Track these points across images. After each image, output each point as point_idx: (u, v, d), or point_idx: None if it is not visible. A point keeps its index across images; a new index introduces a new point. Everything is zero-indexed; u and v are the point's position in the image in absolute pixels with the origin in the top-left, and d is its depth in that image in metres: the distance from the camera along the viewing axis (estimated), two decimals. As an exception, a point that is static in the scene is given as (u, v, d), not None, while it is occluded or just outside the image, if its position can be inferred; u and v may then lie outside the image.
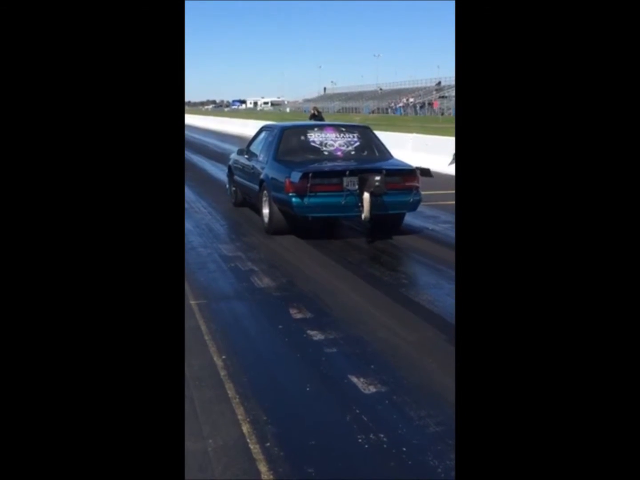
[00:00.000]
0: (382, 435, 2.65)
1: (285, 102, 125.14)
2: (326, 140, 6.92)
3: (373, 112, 74.01)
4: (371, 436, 2.65)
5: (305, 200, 5.94)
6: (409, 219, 7.29)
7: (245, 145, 8.20)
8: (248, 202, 8.01)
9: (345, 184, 5.98)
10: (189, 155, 17.68)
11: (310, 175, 5.90)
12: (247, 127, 31.73)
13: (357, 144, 7.00)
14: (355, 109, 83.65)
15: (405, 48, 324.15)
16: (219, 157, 16.95)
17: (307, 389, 3.14)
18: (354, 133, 7.17)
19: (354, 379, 3.20)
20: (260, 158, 7.12)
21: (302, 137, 6.97)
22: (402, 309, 4.42)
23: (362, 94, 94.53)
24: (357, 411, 2.86)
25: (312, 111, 24.19)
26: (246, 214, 8.13)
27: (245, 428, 2.72)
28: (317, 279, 5.18)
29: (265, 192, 6.64)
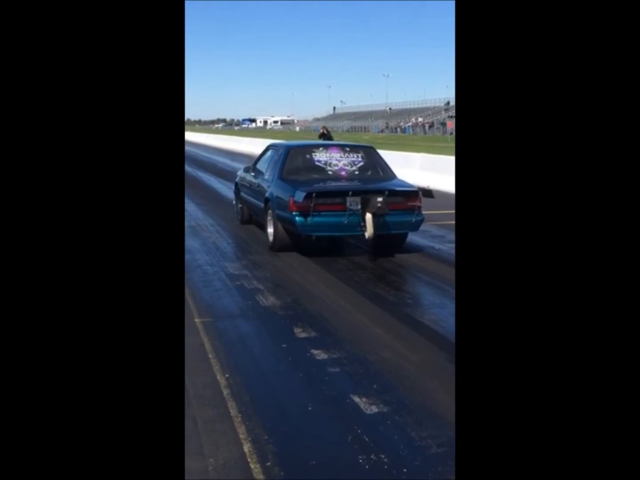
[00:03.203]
0: (383, 456, 2.64)
1: (295, 121, 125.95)
2: (331, 159, 6.98)
3: (382, 131, 74.30)
4: (372, 457, 2.64)
5: (309, 219, 6.02)
6: (416, 238, 7.31)
7: (252, 163, 8.28)
8: (254, 219, 8.06)
9: (348, 204, 6.04)
10: (197, 173, 17.80)
11: (313, 195, 5.96)
12: (256, 146, 31.86)
13: (361, 163, 7.07)
14: (365, 128, 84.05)
15: (414, 68, 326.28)
16: (227, 175, 17.03)
17: (309, 408, 3.14)
18: (359, 153, 7.23)
19: (357, 399, 3.20)
20: (266, 176, 7.20)
21: (307, 157, 7.05)
22: (406, 329, 4.42)
23: (371, 114, 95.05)
24: (359, 431, 2.86)
25: (322, 130, 24.29)
26: (253, 232, 8.17)
27: (246, 447, 2.72)
28: (322, 297, 5.19)
29: (270, 210, 6.72)
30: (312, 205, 5.94)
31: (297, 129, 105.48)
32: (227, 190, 13.03)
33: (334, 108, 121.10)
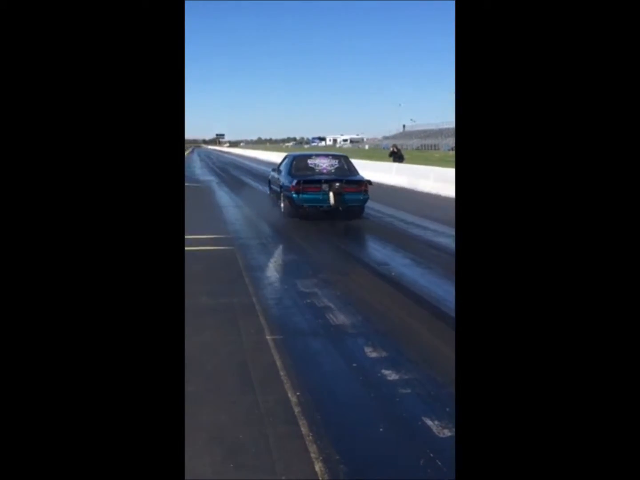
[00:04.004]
0: (456, 482, 2.58)
1: (364, 140, 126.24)
2: (319, 163, 11.38)
3: (452, 149, 73.48)
4: (445, 482, 2.59)
5: (300, 195, 10.36)
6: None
7: (277, 166, 12.62)
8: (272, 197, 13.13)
9: (322, 187, 10.33)
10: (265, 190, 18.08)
11: (301, 182, 10.40)
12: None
13: (337, 165, 11.37)
14: (434, 146, 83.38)
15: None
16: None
17: (380, 429, 3.11)
18: (336, 159, 11.58)
19: (429, 422, 3.15)
20: (282, 173, 11.62)
21: (305, 161, 11.45)
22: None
23: (442, 131, 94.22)
24: (431, 455, 2.81)
25: (392, 148, 24.19)
26: (324, 251, 8.22)
27: (318, 466, 2.72)
28: (393, 317, 5.15)
29: (282, 192, 11.20)
30: (300, 187, 10.33)
31: (367, 147, 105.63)
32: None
33: (404, 126, 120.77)
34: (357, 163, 26.70)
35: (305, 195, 10.47)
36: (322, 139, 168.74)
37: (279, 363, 4.03)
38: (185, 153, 79.50)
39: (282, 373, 3.85)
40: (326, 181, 10.50)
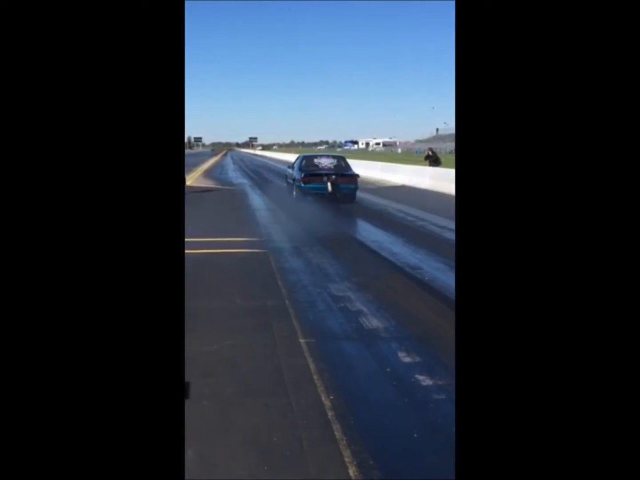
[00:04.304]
0: (492, 490, 2.56)
1: (397, 143, 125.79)
2: (321, 161, 15.01)
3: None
4: (481, 490, 2.56)
5: (306, 185, 13.94)
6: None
7: (291, 164, 16.71)
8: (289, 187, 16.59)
9: (323, 178, 13.92)
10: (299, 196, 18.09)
11: (307, 175, 14.04)
12: (357, 168, 32.11)
13: (335, 163, 14.98)
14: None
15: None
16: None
17: (415, 435, 3.10)
18: (335, 159, 15.35)
19: (464, 428, 3.12)
20: (295, 169, 15.23)
21: (312, 160, 15.12)
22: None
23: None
24: (466, 462, 2.78)
25: (427, 152, 24.08)
26: (357, 254, 8.22)
27: (352, 471, 2.72)
28: (426, 322, 5.12)
29: (294, 183, 14.93)
30: (307, 179, 13.91)
31: (399, 150, 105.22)
32: (331, 217, 13.28)
33: (437, 129, 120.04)
34: (388, 167, 26.71)
35: (310, 185, 14.19)
36: (355, 142, 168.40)
37: (312, 366, 4.04)
38: (218, 156, 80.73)
39: (315, 377, 3.86)
40: (326, 175, 14.32)
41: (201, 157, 70.37)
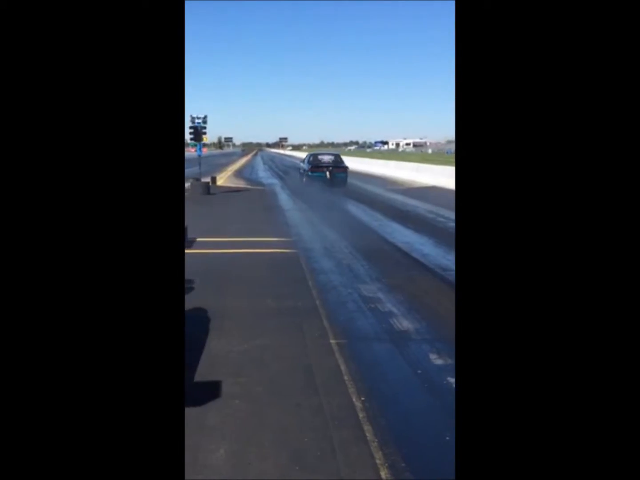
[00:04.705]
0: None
1: (427, 144, 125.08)
2: (323, 157, 22.51)
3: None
4: (515, 495, 2.53)
5: (313, 174, 21.16)
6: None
7: (302, 159, 24.08)
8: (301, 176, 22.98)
9: (324, 169, 21.20)
10: (330, 197, 18.10)
11: (312, 167, 21.53)
12: (389, 168, 32.04)
13: (333, 158, 22.39)
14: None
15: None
16: (364, 199, 17.21)
17: (447, 438, 3.07)
18: (333, 155, 23.06)
19: (497, 432, 3.09)
20: (305, 163, 22.68)
21: (317, 157, 22.70)
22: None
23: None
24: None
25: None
26: (389, 256, 8.19)
27: (383, 473, 2.71)
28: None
29: (304, 173, 22.30)
30: (312, 169, 21.35)
31: (430, 151, 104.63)
32: (364, 215, 13.25)
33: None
34: (418, 167, 26.57)
35: (314, 174, 21.25)
36: (385, 142, 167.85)
37: (343, 367, 4.03)
38: (249, 156, 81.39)
39: (346, 377, 3.86)
40: (325, 167, 21.51)
41: (231, 157, 71.00)
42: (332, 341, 4.57)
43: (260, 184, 23.99)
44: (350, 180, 21.88)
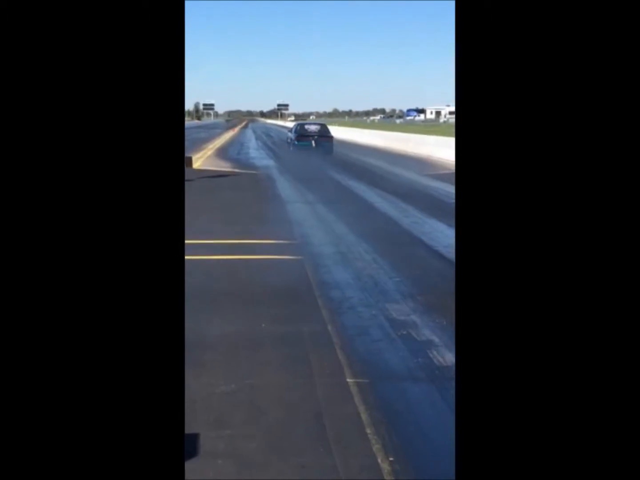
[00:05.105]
0: None
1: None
2: (310, 126, 34.98)
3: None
4: None
5: (299, 142, 32.53)
6: None
7: (290, 129, 38.40)
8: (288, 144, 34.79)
9: (310, 138, 32.37)
10: (347, 181, 18.13)
11: (298, 136, 33.13)
12: (425, 146, 32.06)
13: (319, 128, 34.01)
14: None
15: None
16: (395, 188, 17.23)
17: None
18: (319, 125, 35.45)
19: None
20: (292, 133, 34.84)
21: (303, 126, 35.30)
22: None
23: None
24: None
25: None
26: (427, 264, 8.19)
27: None
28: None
29: (291, 142, 34.44)
30: (298, 138, 32.88)
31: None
32: (393, 209, 13.28)
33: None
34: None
35: (301, 142, 30.40)
36: (421, 111, 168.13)
37: (364, 416, 4.04)
38: (236, 130, 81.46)
39: (368, 430, 3.86)
40: (311, 136, 31.12)
41: (214, 131, 70.91)
42: (350, 380, 4.57)
43: (252, 166, 24.07)
44: (374, 162, 21.76)
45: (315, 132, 32.63)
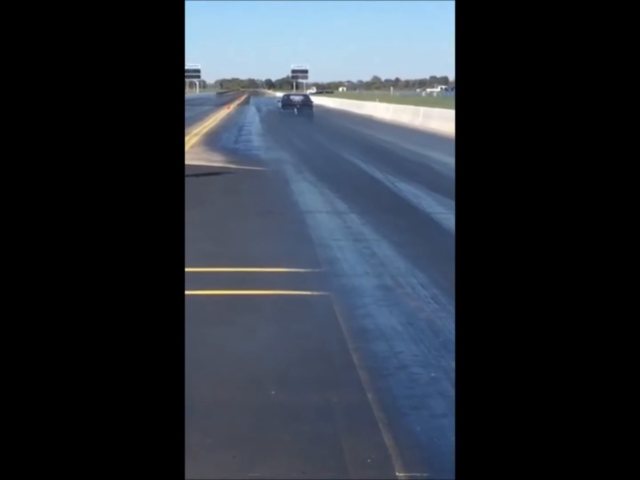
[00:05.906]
0: None
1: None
2: (294, 98, 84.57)
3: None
4: None
5: (285, 110, 79.30)
6: None
7: (278, 99, 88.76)
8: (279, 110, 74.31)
9: (293, 107, 78.89)
10: (377, 174, 18.19)
11: (283, 104, 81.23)
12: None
13: (302, 99, 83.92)
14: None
15: None
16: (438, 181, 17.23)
17: None
18: (303, 96, 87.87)
19: None
20: (280, 102, 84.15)
21: (289, 97, 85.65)
22: None
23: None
24: None
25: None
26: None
27: None
28: None
29: (280, 108, 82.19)
30: (284, 107, 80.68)
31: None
32: (448, 217, 13.55)
33: None
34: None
35: (286, 110, 70.26)
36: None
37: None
38: (231, 107, 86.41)
39: None
40: (294, 105, 71.71)
41: (200, 109, 72.16)
42: (401, 475, 4.54)
43: (256, 160, 24.17)
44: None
45: (298, 102, 64.83)
